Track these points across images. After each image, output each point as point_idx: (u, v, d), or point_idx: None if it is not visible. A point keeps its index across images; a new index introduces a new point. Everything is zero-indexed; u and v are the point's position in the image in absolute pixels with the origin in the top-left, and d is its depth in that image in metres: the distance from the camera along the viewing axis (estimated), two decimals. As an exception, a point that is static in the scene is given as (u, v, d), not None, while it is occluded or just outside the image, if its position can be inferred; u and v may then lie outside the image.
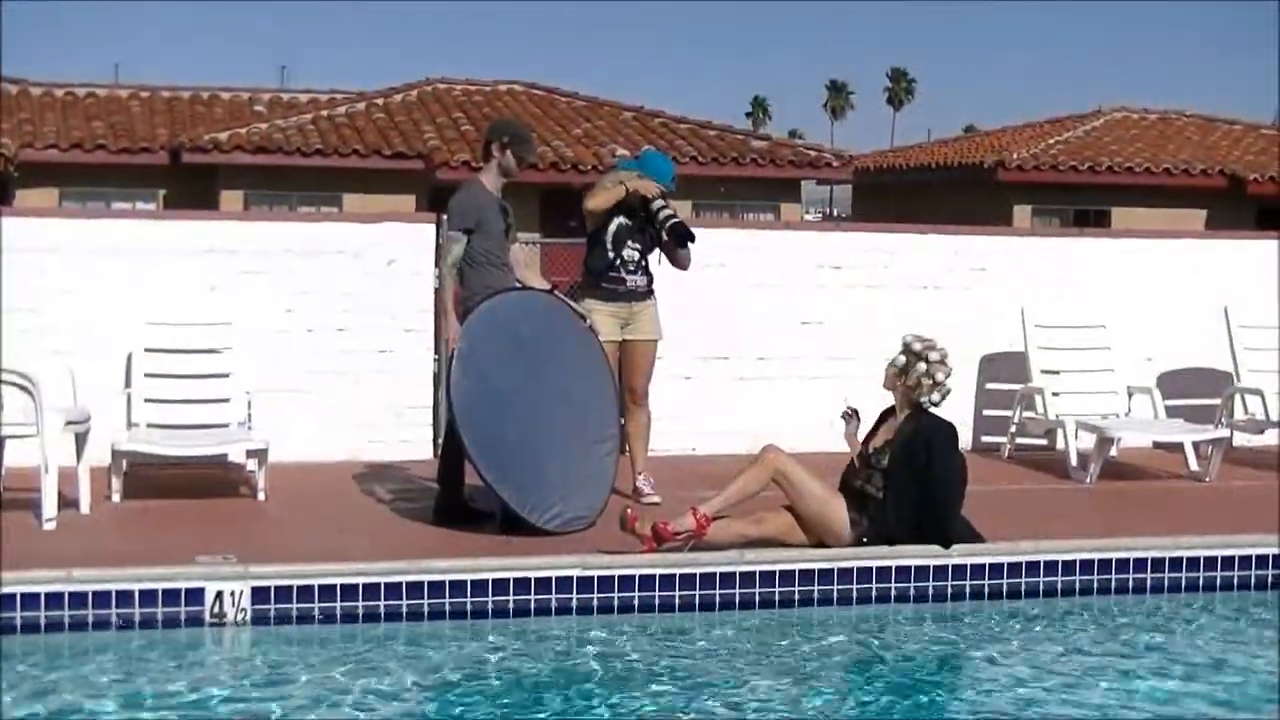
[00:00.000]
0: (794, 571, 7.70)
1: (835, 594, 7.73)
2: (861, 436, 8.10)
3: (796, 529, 7.84)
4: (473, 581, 7.36)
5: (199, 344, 9.80)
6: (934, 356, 7.92)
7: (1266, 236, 12.79)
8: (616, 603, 7.49)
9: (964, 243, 11.90)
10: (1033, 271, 11.71)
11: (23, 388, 8.26)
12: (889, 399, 8.09)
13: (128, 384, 9.56)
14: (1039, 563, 7.99)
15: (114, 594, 7.00)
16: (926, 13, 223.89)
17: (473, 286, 8.59)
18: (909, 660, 7.14)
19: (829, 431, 8.90)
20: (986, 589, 7.90)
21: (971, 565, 7.89)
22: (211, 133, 26.11)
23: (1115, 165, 28.62)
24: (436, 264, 10.06)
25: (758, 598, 7.64)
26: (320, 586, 7.21)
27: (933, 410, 7.96)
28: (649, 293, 9.25)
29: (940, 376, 7.92)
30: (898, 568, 7.80)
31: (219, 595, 7.09)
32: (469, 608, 7.34)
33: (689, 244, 9.21)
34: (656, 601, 7.53)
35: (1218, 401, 11.11)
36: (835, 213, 63.90)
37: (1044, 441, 11.28)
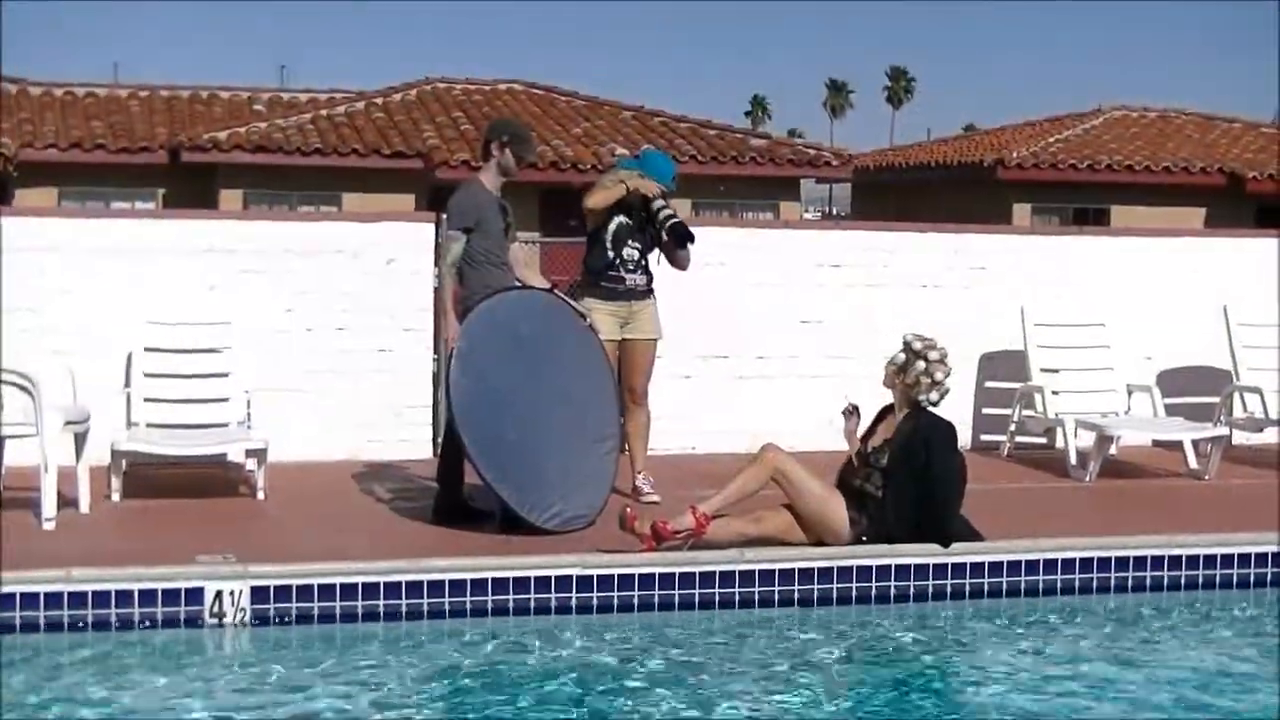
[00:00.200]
0: (793, 570, 7.70)
1: (835, 593, 7.73)
2: (860, 434, 8.10)
3: (796, 528, 7.84)
4: (472, 580, 7.36)
5: (198, 343, 9.80)
6: (933, 355, 7.92)
7: (1266, 235, 12.79)
8: (616, 602, 7.49)
9: (963, 241, 11.90)
10: (1032, 270, 11.71)
11: (22, 387, 8.26)
12: (888, 397, 8.09)
13: (127, 383, 9.57)
14: (1038, 561, 7.99)
15: (113, 594, 7.00)
16: (926, 12, 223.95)
17: (472, 286, 8.59)
18: (908, 659, 7.13)
19: (828, 430, 8.91)
20: (986, 588, 7.90)
21: (971, 564, 7.89)
22: (211, 132, 26.13)
23: (1114, 164, 28.64)
24: (436, 263, 10.06)
25: (757, 596, 7.64)
26: (320, 586, 7.21)
27: (932, 409, 7.96)
28: (648, 292, 9.25)
29: (939, 375, 7.92)
30: (897, 566, 7.80)
31: (218, 595, 7.08)
32: (468, 607, 7.34)
33: (689, 244, 9.20)
34: (656, 600, 7.53)
35: (1217, 400, 11.11)
36: (834, 211, 63.90)
37: (1043, 440, 11.28)
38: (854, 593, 7.75)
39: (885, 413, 8.11)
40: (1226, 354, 11.24)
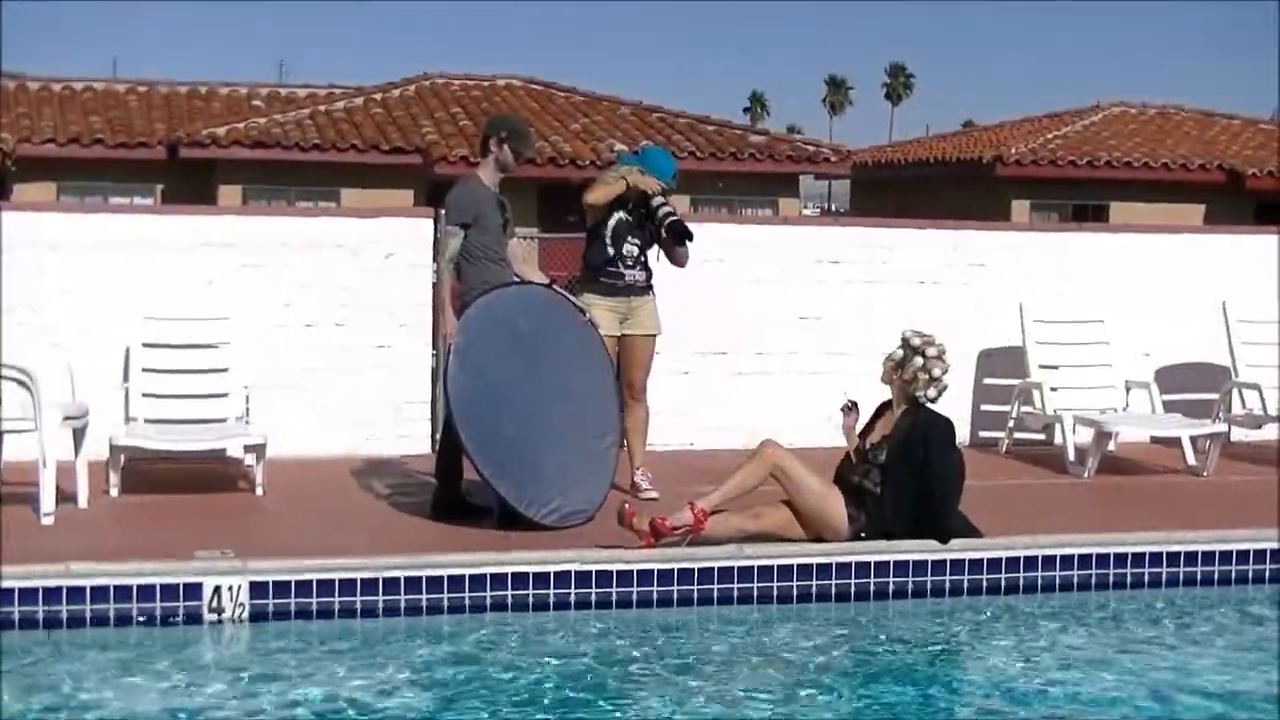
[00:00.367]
0: (792, 566, 7.70)
1: (833, 589, 7.73)
2: (859, 430, 8.10)
3: (794, 524, 7.84)
4: (471, 576, 7.36)
5: (197, 339, 9.80)
6: (931, 351, 7.92)
7: (1265, 231, 12.80)
8: (614, 598, 7.49)
9: (962, 238, 11.90)
10: (1031, 267, 11.71)
11: (21, 383, 8.26)
12: (887, 394, 8.09)
13: (125, 378, 9.57)
14: (1036, 558, 7.99)
15: (112, 589, 6.99)
16: (925, 9, 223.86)
17: (470, 281, 8.58)
18: (906, 655, 7.13)
19: (827, 426, 8.91)
20: (984, 584, 7.90)
21: (969, 560, 7.89)
22: (209, 127, 26.11)
23: (1114, 160, 28.64)
24: (434, 259, 10.06)
25: (756, 592, 7.64)
26: (318, 581, 7.20)
27: (930, 405, 7.96)
28: (648, 288, 9.25)
29: (937, 372, 7.92)
30: (895, 562, 7.80)
31: (217, 590, 7.08)
32: (467, 603, 7.34)
33: (687, 242, 9.20)
34: (654, 596, 7.53)
35: (1215, 396, 11.12)
36: (833, 208, 63.90)
37: (1042, 436, 11.28)
38: (852, 589, 7.75)
39: (884, 409, 8.11)
40: (1225, 350, 11.25)
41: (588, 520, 8.31)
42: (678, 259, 9.30)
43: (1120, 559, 8.08)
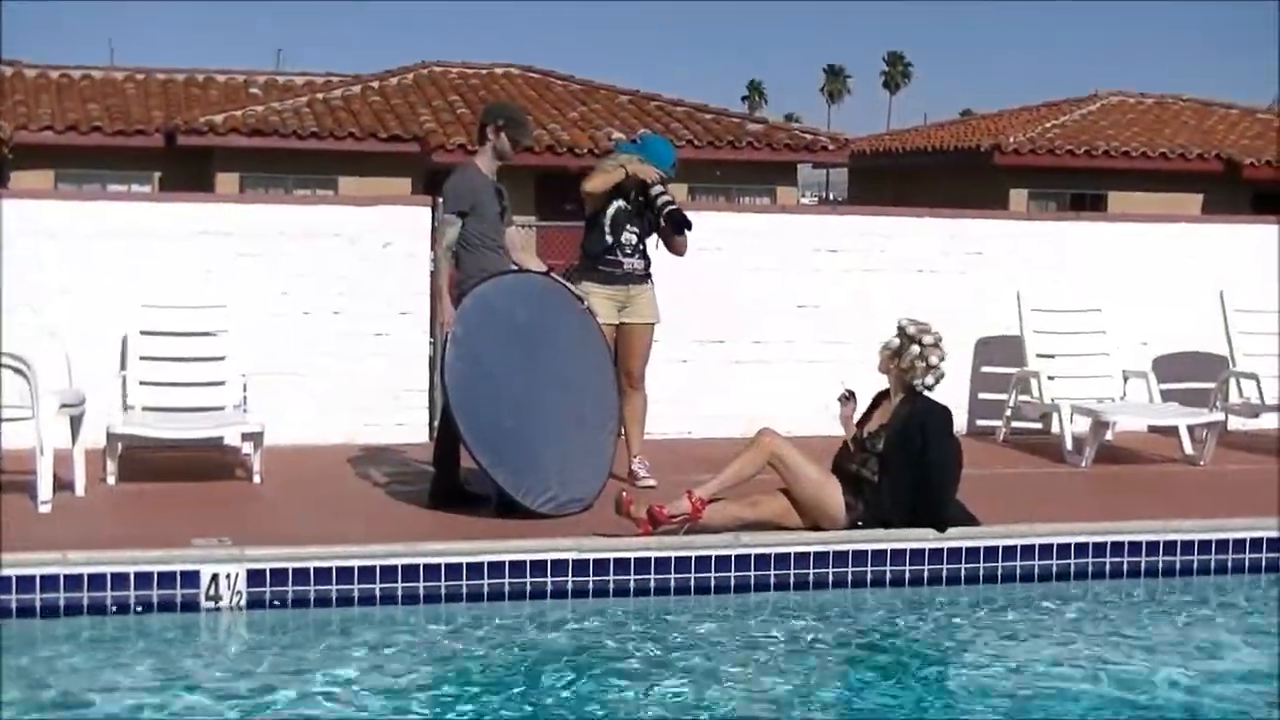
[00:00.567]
0: (789, 555, 7.70)
1: (830, 577, 7.74)
2: (857, 419, 8.10)
3: (792, 512, 7.84)
4: (468, 565, 7.37)
5: (194, 327, 9.79)
6: (928, 339, 7.93)
7: (1262, 221, 12.79)
8: (612, 586, 7.49)
9: (960, 226, 11.89)
10: (1029, 255, 11.71)
11: (18, 370, 8.25)
12: (884, 382, 8.09)
13: (123, 367, 9.56)
14: (1034, 546, 7.99)
15: (109, 577, 7.00)
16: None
17: (468, 270, 8.57)
18: (903, 644, 7.14)
19: (825, 415, 8.91)
20: (981, 572, 7.91)
21: (966, 549, 7.90)
22: (207, 115, 26.09)
23: (1111, 149, 28.63)
24: (432, 247, 10.05)
25: (753, 581, 7.65)
26: (316, 569, 7.21)
27: (927, 394, 7.96)
28: (646, 276, 9.25)
29: (934, 359, 7.92)
30: (893, 551, 7.81)
31: (214, 578, 7.09)
32: (464, 591, 7.35)
33: (686, 231, 9.20)
34: (652, 584, 7.54)
35: (1213, 385, 11.12)
36: (831, 196, 63.89)
37: (1039, 425, 11.27)
38: (849, 577, 7.76)
39: (881, 398, 8.11)
40: (1222, 339, 11.25)
41: (585, 509, 8.31)
42: (676, 248, 9.30)
43: (1117, 548, 8.09)
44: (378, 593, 7.26)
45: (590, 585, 7.47)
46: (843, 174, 40.65)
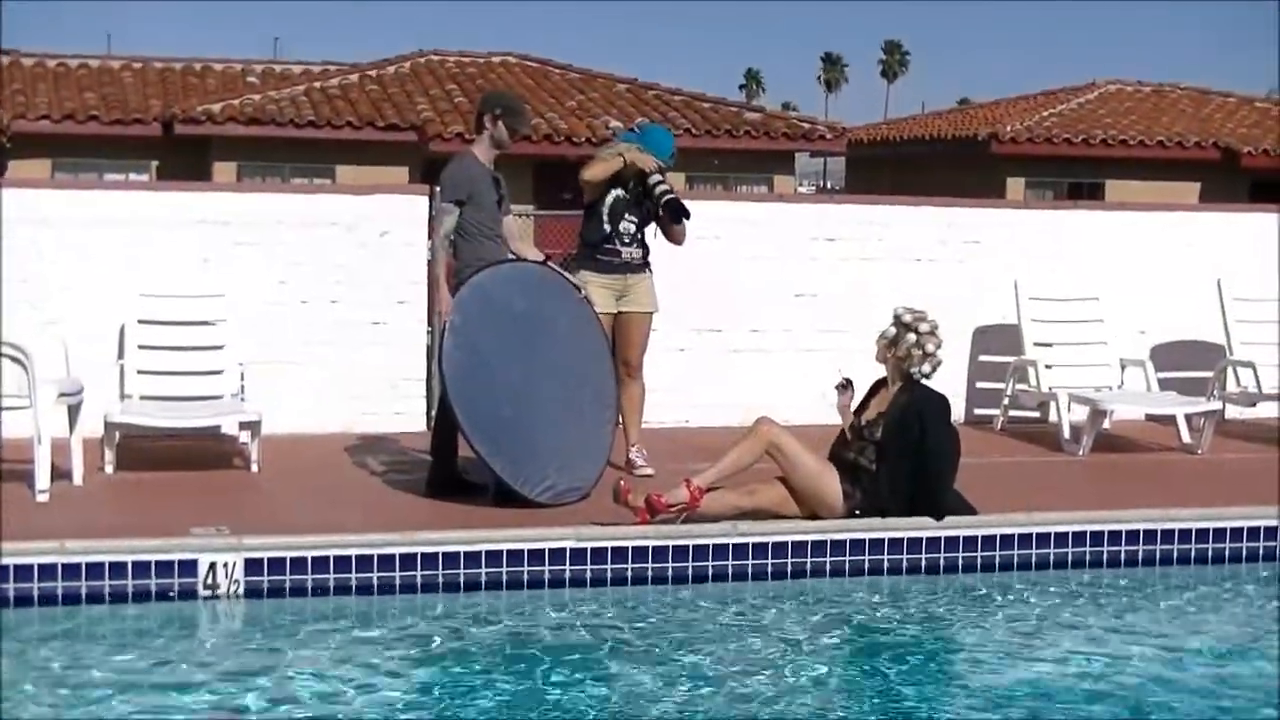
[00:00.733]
0: (787, 543, 7.71)
1: (828, 566, 7.75)
2: (854, 408, 8.10)
3: (790, 501, 7.84)
4: (466, 554, 7.37)
5: (192, 316, 9.79)
6: (924, 328, 7.92)
7: (1260, 209, 12.79)
8: (609, 575, 7.49)
9: (957, 215, 11.89)
10: (1026, 244, 11.71)
11: (15, 359, 8.25)
12: (882, 371, 8.09)
13: (121, 356, 9.56)
14: (1031, 535, 8.00)
15: (107, 566, 7.00)
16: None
17: (465, 258, 8.57)
18: (900, 632, 7.14)
19: (822, 404, 8.91)
20: (979, 561, 7.92)
21: (964, 537, 7.90)
22: (204, 104, 26.04)
23: (1109, 138, 28.62)
24: (430, 236, 10.05)
25: (750, 569, 7.65)
26: (314, 558, 7.21)
27: (925, 382, 7.96)
28: (644, 265, 9.24)
29: (931, 347, 7.92)
30: (890, 540, 7.81)
31: (212, 567, 7.09)
32: (462, 580, 7.35)
33: (684, 220, 9.19)
34: (649, 573, 7.54)
35: (1210, 374, 11.13)
36: (829, 185, 63.86)
37: (1037, 414, 11.29)
38: (847, 566, 7.77)
39: (878, 386, 8.11)
40: (1220, 328, 11.26)
41: (583, 498, 8.31)
42: (675, 237, 9.30)
43: (1115, 536, 8.10)
44: (375, 582, 7.26)
45: (588, 574, 7.47)
46: (840, 163, 40.65)
